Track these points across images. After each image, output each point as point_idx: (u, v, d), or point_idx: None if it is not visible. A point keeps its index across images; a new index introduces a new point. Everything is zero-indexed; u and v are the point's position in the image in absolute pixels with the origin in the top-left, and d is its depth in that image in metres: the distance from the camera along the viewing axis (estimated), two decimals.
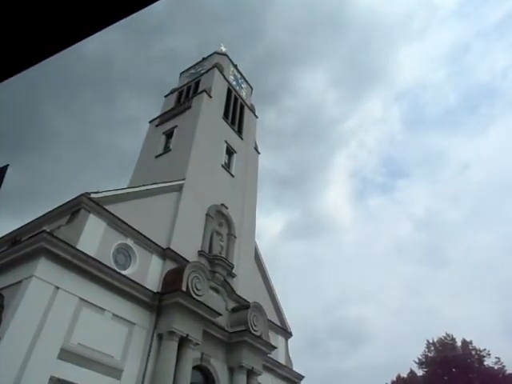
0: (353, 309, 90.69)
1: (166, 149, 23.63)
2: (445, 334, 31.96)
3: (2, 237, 16.95)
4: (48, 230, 12.69)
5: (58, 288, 12.33)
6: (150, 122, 27.45)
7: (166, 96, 30.43)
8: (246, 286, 21.04)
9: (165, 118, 26.44)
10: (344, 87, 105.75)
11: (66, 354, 11.86)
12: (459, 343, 31.18)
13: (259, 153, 29.62)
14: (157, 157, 23.48)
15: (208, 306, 16.04)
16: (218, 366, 17.24)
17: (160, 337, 14.71)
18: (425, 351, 31.70)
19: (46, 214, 15.24)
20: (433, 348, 31.51)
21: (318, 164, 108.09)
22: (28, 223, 15.95)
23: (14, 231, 16.52)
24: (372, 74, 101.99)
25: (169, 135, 24.64)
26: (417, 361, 31.90)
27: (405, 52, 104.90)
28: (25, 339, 11.05)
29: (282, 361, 22.42)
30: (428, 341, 32.04)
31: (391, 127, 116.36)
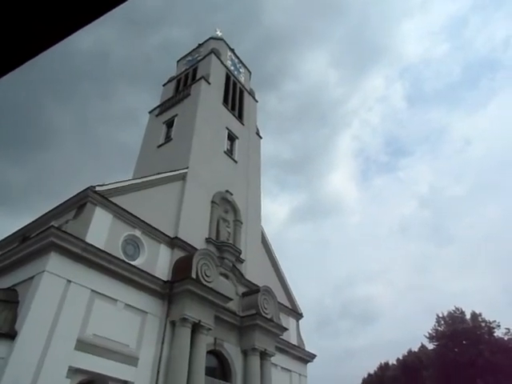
0: (361, 288, 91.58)
1: (168, 138, 23.58)
2: (454, 308, 32.27)
3: (12, 234, 17.14)
4: (56, 225, 12.81)
5: (69, 281, 12.53)
6: (150, 112, 27.33)
7: (164, 85, 30.21)
8: (254, 270, 21.22)
9: (164, 107, 26.30)
10: (345, 67, 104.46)
11: (83, 345, 12.12)
12: (468, 316, 31.44)
13: (261, 137, 29.46)
14: (159, 147, 23.46)
15: (218, 292, 16.24)
16: (231, 350, 17.55)
17: (173, 324, 14.96)
18: (435, 325, 32.03)
19: (53, 209, 15.36)
20: (443, 322, 31.76)
21: (321, 147, 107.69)
22: (36, 219, 16.09)
23: (22, 228, 16.69)
24: (374, 51, 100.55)
25: (169, 124, 24.55)
26: (427, 335, 32.33)
27: (406, 27, 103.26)
28: (42, 332, 11.29)
29: (294, 341, 22.77)
30: (438, 315, 32.37)
31: (394, 104, 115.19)
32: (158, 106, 27.03)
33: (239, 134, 26.18)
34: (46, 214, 15.59)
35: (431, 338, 31.88)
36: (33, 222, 16.20)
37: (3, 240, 17.46)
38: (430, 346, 32.68)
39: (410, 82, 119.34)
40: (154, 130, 25.05)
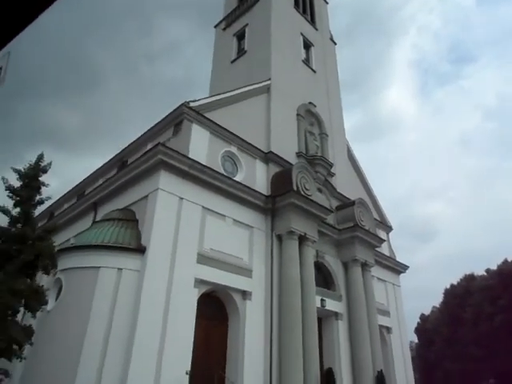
0: (419, 206, 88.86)
1: (241, 51, 22.00)
2: None
3: (109, 161, 17.44)
4: (161, 142, 12.50)
5: (181, 199, 12.50)
6: (216, 26, 25.53)
7: None
8: (344, 183, 20.43)
9: (231, 18, 24.32)
10: None
11: (203, 258, 12.36)
12: None
13: (335, 43, 26.81)
14: (232, 62, 22.06)
15: (320, 204, 15.77)
16: (332, 262, 17.50)
17: (279, 237, 14.87)
18: None
19: (148, 130, 15.12)
20: None
21: (375, 61, 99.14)
22: (131, 143, 16.07)
23: (119, 153, 16.84)
24: None
25: (240, 36, 22.80)
26: None
27: None
28: (166, 247, 11.55)
29: (386, 253, 22.41)
30: None
31: (460, 2, 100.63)
32: (224, 19, 25.07)
33: (314, 41, 23.84)
34: (142, 136, 15.44)
35: None
36: (128, 146, 16.21)
37: (101, 167, 17.89)
38: None
39: None
40: (224, 45, 23.49)
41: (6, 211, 9.09)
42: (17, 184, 9.37)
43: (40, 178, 9.68)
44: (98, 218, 14.61)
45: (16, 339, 7.98)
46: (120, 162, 16.71)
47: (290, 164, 16.50)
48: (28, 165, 9.64)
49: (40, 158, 9.87)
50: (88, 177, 18.95)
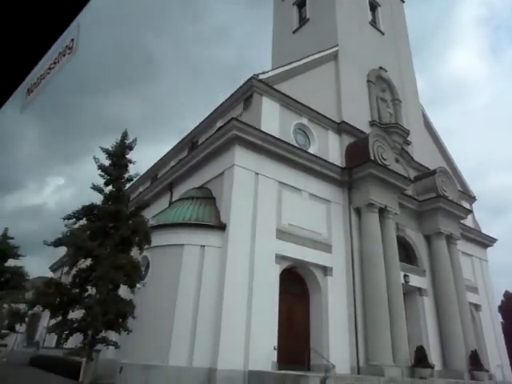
0: (495, 177, 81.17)
1: (303, 20, 21.02)
2: None
3: (178, 143, 17.65)
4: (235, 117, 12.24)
5: (257, 174, 12.25)
6: None
7: None
8: (422, 152, 18.97)
9: None
10: None
11: (282, 234, 12.09)
12: None
13: (403, 1, 24.70)
14: (294, 32, 21.15)
15: (399, 174, 14.76)
16: (413, 235, 16.44)
17: (357, 211, 14.16)
18: None
19: (217, 108, 14.98)
20: None
21: (437, 22, 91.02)
22: (200, 124, 16.07)
23: (188, 135, 16.97)
24: None
25: (301, 4, 21.77)
26: None
27: None
28: (246, 223, 11.41)
29: (470, 226, 20.69)
30: None
31: None
32: None
33: (380, 0, 22.10)
34: (211, 115, 15.35)
35: None
36: (197, 126, 16.24)
37: (172, 149, 18.17)
38: None
39: None
40: (284, 15, 22.58)
41: (100, 190, 9.42)
42: (106, 163, 9.67)
43: (127, 156, 9.89)
44: (174, 198, 14.90)
45: (121, 312, 8.32)
46: (190, 142, 16.84)
47: (364, 133, 15.57)
48: (115, 143, 9.88)
49: (125, 135, 10.06)
50: (160, 160, 19.41)
